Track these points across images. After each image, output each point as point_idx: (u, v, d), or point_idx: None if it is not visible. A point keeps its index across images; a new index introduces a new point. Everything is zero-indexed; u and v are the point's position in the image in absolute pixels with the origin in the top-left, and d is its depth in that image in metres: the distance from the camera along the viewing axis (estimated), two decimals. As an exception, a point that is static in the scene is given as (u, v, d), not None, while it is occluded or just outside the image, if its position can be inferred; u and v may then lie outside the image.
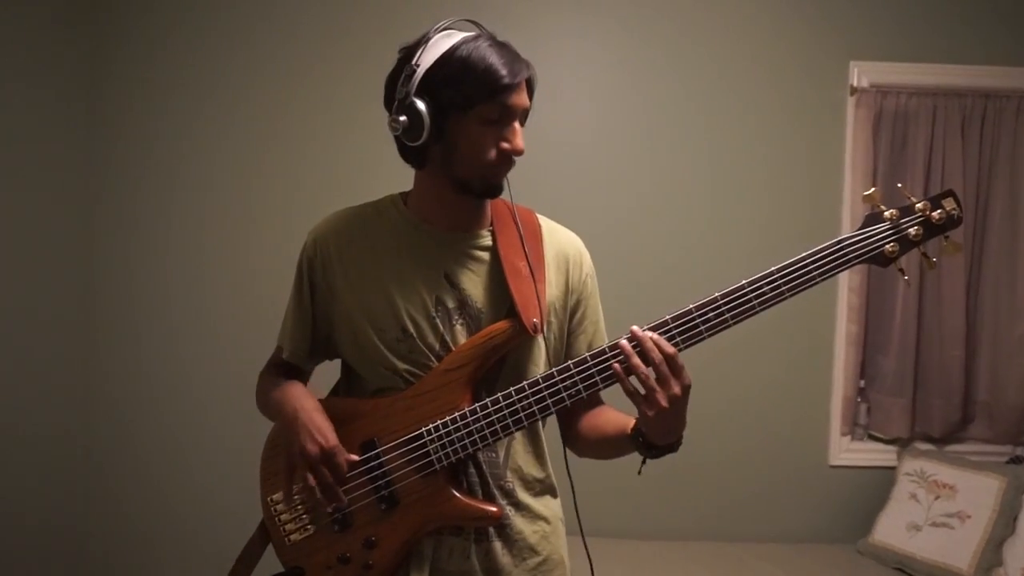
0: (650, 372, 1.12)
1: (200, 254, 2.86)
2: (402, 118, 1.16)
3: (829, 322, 2.88)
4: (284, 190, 2.84)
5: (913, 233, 1.15)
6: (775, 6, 2.85)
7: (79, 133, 2.78)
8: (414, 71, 1.16)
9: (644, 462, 1.23)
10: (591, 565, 1.35)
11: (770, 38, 2.85)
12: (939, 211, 1.15)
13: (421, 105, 1.15)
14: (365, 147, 2.76)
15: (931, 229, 1.16)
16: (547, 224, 1.35)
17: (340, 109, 2.81)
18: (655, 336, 1.12)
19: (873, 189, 1.17)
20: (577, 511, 1.30)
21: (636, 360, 1.12)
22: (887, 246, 1.16)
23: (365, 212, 1.32)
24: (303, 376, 1.42)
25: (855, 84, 2.82)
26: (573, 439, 1.37)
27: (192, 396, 2.88)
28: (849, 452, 2.90)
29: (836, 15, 2.84)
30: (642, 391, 1.12)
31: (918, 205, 1.15)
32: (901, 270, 1.19)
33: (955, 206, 1.15)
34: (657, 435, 1.18)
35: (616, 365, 1.14)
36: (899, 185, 1.29)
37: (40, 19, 2.58)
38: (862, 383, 2.93)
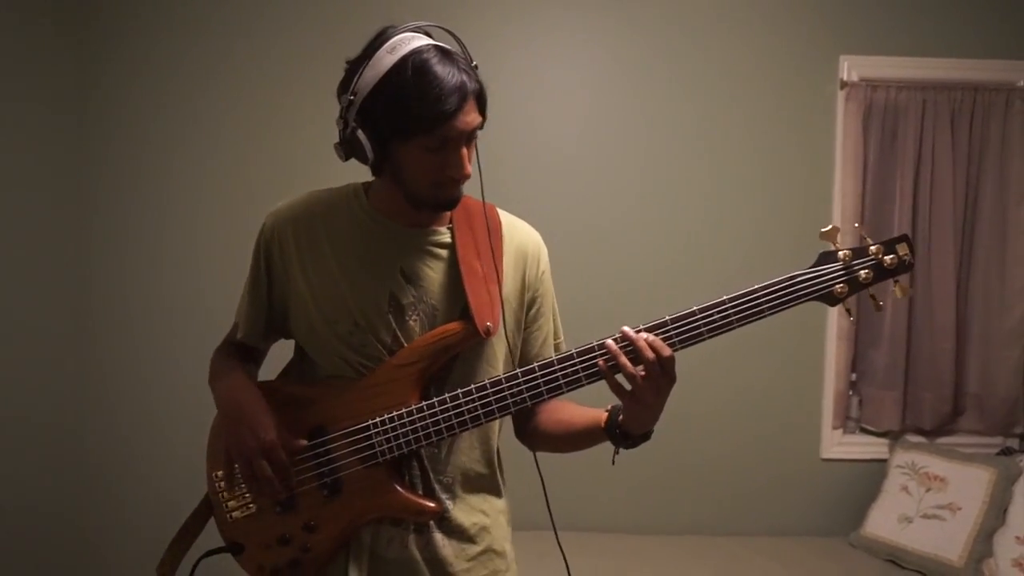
0: (639, 370, 1.13)
1: (193, 253, 2.86)
2: (343, 150, 1.19)
3: (820, 316, 2.89)
4: (277, 189, 2.80)
5: (863, 276, 1.17)
6: (765, 1, 2.85)
7: (71, 134, 2.77)
8: (350, 102, 1.15)
9: (617, 451, 1.25)
10: (567, 564, 1.38)
11: (760, 32, 2.85)
12: (892, 256, 1.17)
13: (361, 135, 1.15)
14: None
15: (881, 272, 1.18)
16: (507, 219, 1.35)
17: (332, 109, 2.77)
18: (649, 337, 1.13)
19: (831, 227, 1.19)
20: (549, 507, 1.32)
21: (624, 359, 1.13)
22: (836, 286, 1.18)
23: (327, 199, 1.31)
24: (258, 355, 1.44)
25: (845, 78, 2.82)
26: (529, 434, 1.38)
27: (186, 393, 2.86)
28: (841, 445, 2.91)
29: (826, 9, 2.84)
30: (628, 387, 1.13)
31: (872, 248, 1.18)
32: (848, 310, 1.22)
33: (907, 251, 1.17)
34: (636, 426, 1.20)
35: (600, 362, 1.15)
36: (856, 224, 1.32)
37: (31, 21, 2.57)
38: (853, 376, 2.94)
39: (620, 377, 1.15)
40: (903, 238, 1.18)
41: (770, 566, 2.54)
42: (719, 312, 1.15)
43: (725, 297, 1.16)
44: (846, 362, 2.87)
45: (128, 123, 2.83)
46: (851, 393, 2.95)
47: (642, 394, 1.13)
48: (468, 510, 1.29)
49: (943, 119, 2.77)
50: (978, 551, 2.46)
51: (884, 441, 2.89)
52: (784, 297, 1.17)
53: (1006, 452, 2.74)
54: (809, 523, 2.88)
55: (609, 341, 1.15)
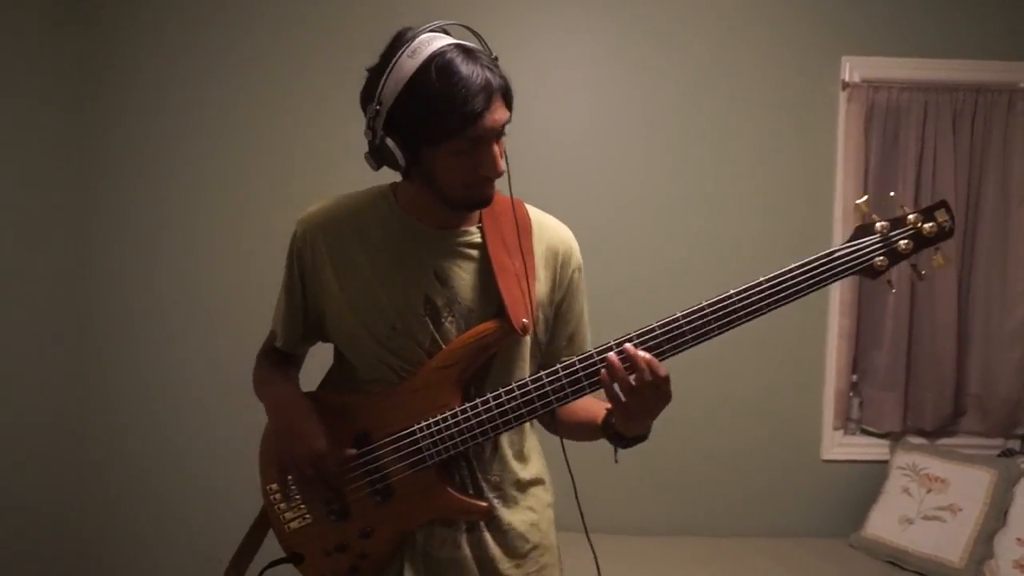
0: (633, 378, 1.12)
1: (193, 252, 2.85)
2: (375, 159, 1.18)
3: (821, 316, 2.88)
4: (277, 189, 2.83)
5: (903, 246, 1.14)
6: (767, 2, 2.84)
7: (72, 133, 2.76)
8: (377, 112, 1.13)
9: (616, 451, 1.26)
10: (596, 561, 1.36)
11: (762, 33, 2.85)
12: (930, 223, 1.14)
13: (391, 144, 1.14)
14: (358, 147, 2.74)
15: (921, 241, 1.14)
16: (537, 216, 1.34)
17: (332, 109, 2.79)
18: (648, 357, 1.11)
19: (864, 198, 1.16)
20: (580, 507, 1.32)
21: (621, 374, 1.12)
22: (876, 259, 1.15)
23: (355, 204, 1.30)
24: (297, 359, 1.45)
25: (847, 79, 2.82)
26: (548, 420, 1.38)
27: (186, 393, 2.87)
28: (841, 446, 2.91)
29: (828, 10, 2.84)
30: (623, 399, 1.13)
31: (909, 217, 1.14)
32: (889, 282, 1.19)
33: (947, 218, 1.14)
34: (626, 430, 1.20)
35: (603, 372, 1.14)
36: (891, 194, 1.29)
37: (30, 21, 2.57)
38: (854, 377, 2.94)
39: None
40: (941, 204, 1.15)
41: (770, 567, 2.53)
42: (756, 293, 1.14)
43: (761, 278, 1.14)
44: (847, 362, 2.87)
45: (129, 122, 2.82)
46: (852, 394, 2.95)
47: (635, 408, 1.13)
48: (517, 508, 1.31)
49: (945, 120, 2.77)
50: (979, 553, 2.46)
51: (885, 442, 2.88)
52: (824, 274, 1.14)
53: (1007, 453, 2.74)
54: (809, 524, 2.88)
55: (612, 356, 1.13)
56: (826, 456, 2.91)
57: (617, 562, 2.50)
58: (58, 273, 2.73)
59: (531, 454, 1.36)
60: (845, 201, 2.82)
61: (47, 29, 2.64)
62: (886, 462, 2.81)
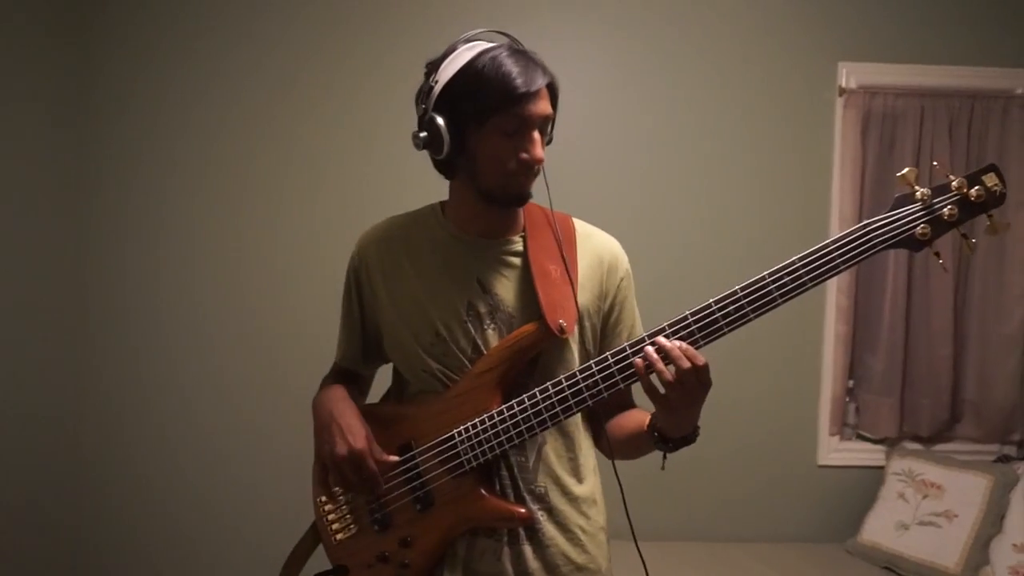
0: (671, 369, 1.11)
1: (192, 253, 2.85)
2: (422, 134, 1.20)
3: (818, 322, 2.89)
4: (275, 191, 2.83)
5: (947, 213, 1.06)
6: (764, 8, 2.85)
7: (70, 134, 2.76)
8: (431, 87, 1.20)
9: (665, 456, 1.25)
10: (646, 572, 1.36)
11: (759, 39, 2.85)
12: (977, 187, 1.05)
13: (440, 120, 1.18)
14: (353, 150, 2.76)
15: (968, 208, 1.06)
16: (583, 228, 1.37)
17: (332, 113, 2.79)
18: (683, 345, 1.10)
19: (908, 169, 1.08)
20: (629, 519, 1.32)
21: (661, 366, 1.11)
22: (918, 228, 1.07)
23: (405, 222, 1.36)
24: (362, 381, 1.48)
25: (843, 85, 2.83)
26: (603, 442, 1.37)
27: (184, 395, 2.87)
28: (838, 452, 2.91)
29: (825, 16, 2.85)
30: (662, 391, 1.12)
31: (954, 183, 1.06)
32: (937, 254, 1.11)
33: (997, 182, 1.04)
34: (671, 429, 1.19)
35: (638, 361, 1.13)
36: (935, 164, 1.21)
37: (29, 23, 2.56)
38: (851, 383, 2.94)
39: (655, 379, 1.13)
40: (991, 167, 1.06)
41: (766, 573, 2.53)
42: (789, 274, 1.10)
43: (795, 257, 1.10)
44: (843, 368, 2.87)
45: (127, 124, 2.82)
46: (848, 399, 2.95)
47: (677, 401, 1.11)
48: (563, 524, 1.28)
49: (941, 126, 2.78)
50: (975, 559, 2.46)
51: (881, 448, 2.89)
52: (861, 247, 1.08)
53: (1003, 459, 2.74)
54: (806, 530, 2.87)
55: (649, 348, 1.12)
56: (822, 461, 2.91)
57: (615, 568, 2.49)
58: (55, 275, 2.73)
59: (587, 472, 1.33)
60: (842, 207, 2.82)
61: (47, 31, 2.64)
62: (882, 468, 2.81)
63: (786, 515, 2.90)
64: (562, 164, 2.85)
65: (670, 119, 2.87)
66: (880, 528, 2.66)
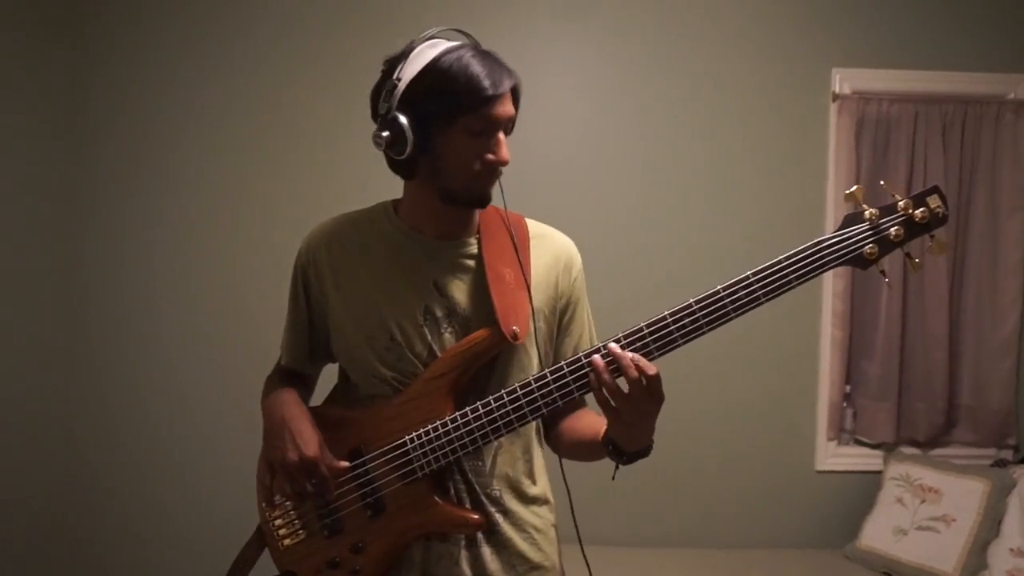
0: (623, 384, 1.09)
1: (187, 255, 2.86)
2: (385, 133, 1.17)
3: (814, 327, 2.89)
4: (271, 194, 2.84)
5: (894, 233, 1.10)
6: (759, 14, 2.86)
7: (67, 134, 2.77)
8: (395, 85, 1.16)
9: (617, 467, 1.23)
10: (590, 571, 1.35)
11: (754, 45, 2.86)
12: (922, 209, 1.09)
13: (403, 120, 1.15)
14: (352, 153, 2.75)
15: (913, 229, 1.10)
16: (537, 229, 1.35)
17: (327, 115, 2.80)
18: (635, 356, 1.08)
19: (856, 187, 1.12)
20: (575, 519, 1.30)
21: (606, 377, 1.09)
22: (866, 247, 1.11)
23: (357, 219, 1.32)
24: (308, 380, 1.44)
25: (837, 91, 2.84)
26: (553, 440, 1.37)
27: (179, 395, 2.88)
28: (835, 457, 2.91)
29: (818, 22, 2.86)
30: (613, 403, 1.10)
31: (900, 203, 1.10)
32: (883, 272, 1.15)
33: (940, 203, 1.08)
34: (626, 443, 1.17)
35: (592, 376, 1.11)
36: (882, 183, 1.24)
37: (26, 25, 2.57)
38: (847, 388, 2.94)
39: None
40: (934, 189, 1.10)
41: (765, 579, 2.53)
42: (744, 288, 1.11)
43: (749, 272, 1.11)
44: (840, 373, 2.87)
45: (124, 124, 2.83)
46: (845, 405, 2.95)
47: (628, 414, 1.09)
48: (518, 524, 1.28)
49: (935, 131, 2.79)
50: (972, 563, 2.46)
51: (878, 453, 2.88)
52: (811, 264, 1.11)
53: (1000, 463, 2.74)
54: (803, 535, 2.87)
55: (596, 357, 1.11)
56: (820, 467, 2.91)
57: (610, 574, 2.49)
58: (52, 276, 2.74)
59: (539, 472, 1.33)
60: (836, 212, 2.83)
61: (43, 33, 2.65)
62: (880, 473, 2.81)
63: (784, 521, 2.89)
64: (558, 171, 2.87)
65: (665, 125, 2.87)
66: (878, 533, 2.66)
